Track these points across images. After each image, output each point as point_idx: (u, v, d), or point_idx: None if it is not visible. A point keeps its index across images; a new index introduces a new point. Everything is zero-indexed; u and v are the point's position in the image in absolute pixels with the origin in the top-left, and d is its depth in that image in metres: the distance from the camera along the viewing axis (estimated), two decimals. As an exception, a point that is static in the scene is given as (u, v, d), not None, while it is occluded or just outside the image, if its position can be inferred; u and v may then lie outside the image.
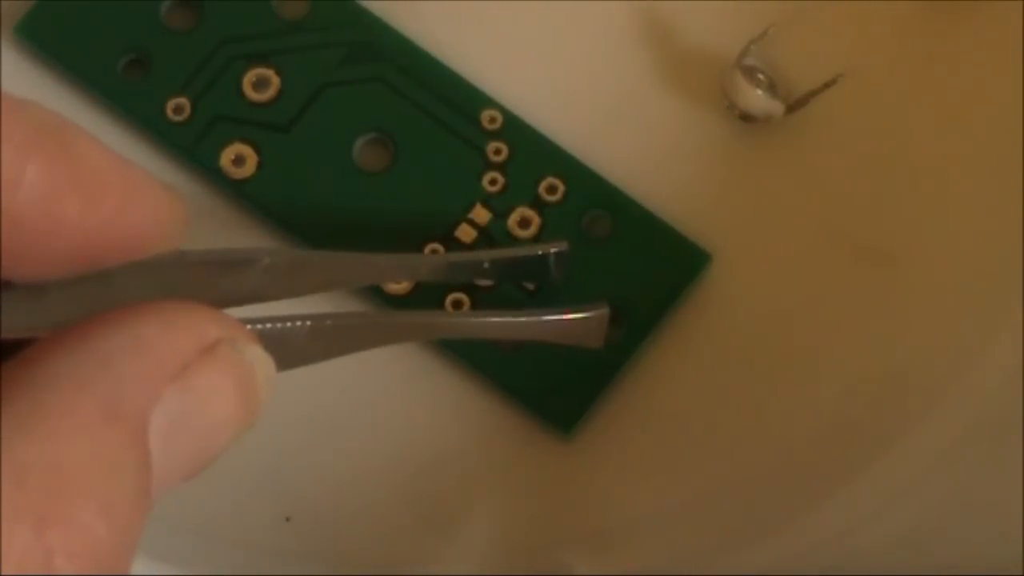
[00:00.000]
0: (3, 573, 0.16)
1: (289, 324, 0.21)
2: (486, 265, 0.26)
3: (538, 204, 0.28)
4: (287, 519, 0.27)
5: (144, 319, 0.19)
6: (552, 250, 0.27)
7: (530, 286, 0.27)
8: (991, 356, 0.28)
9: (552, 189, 0.28)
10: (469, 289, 0.27)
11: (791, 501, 0.27)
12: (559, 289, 0.27)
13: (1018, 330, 0.28)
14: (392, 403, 0.28)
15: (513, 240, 0.28)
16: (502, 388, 0.27)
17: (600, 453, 0.27)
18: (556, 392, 0.27)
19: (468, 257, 0.27)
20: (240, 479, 0.27)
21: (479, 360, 0.27)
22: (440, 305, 0.27)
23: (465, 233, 0.28)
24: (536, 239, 0.28)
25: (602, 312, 0.26)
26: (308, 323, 0.21)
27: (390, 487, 0.27)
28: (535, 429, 0.27)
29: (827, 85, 0.28)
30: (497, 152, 0.28)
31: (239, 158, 0.28)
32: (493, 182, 0.28)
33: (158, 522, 0.24)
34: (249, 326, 0.20)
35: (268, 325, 0.21)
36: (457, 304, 0.27)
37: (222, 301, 0.20)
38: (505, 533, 0.27)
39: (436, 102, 0.29)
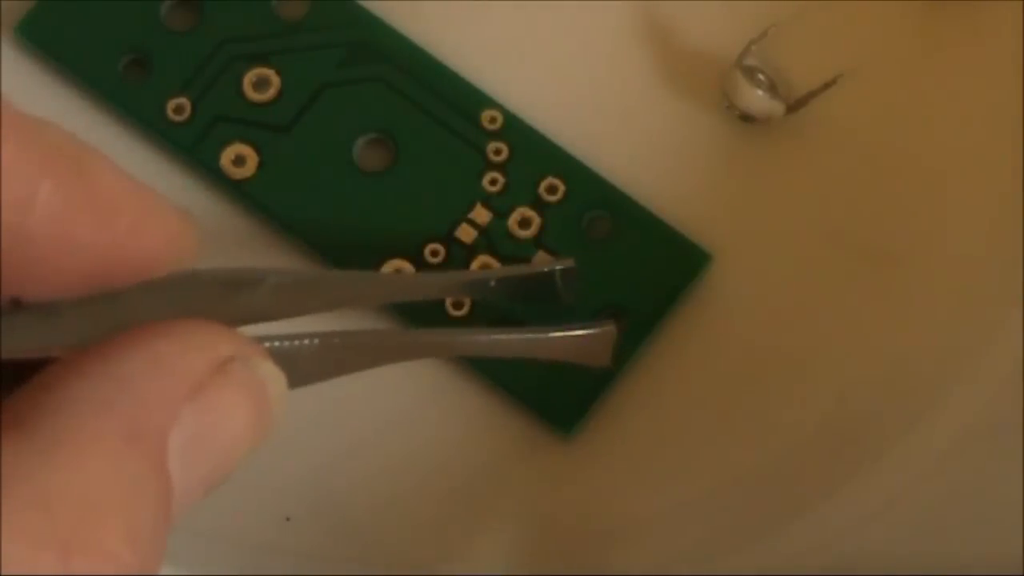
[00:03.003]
0: None
1: (298, 342, 0.21)
2: (492, 283, 0.26)
3: (538, 204, 0.28)
4: (287, 519, 0.27)
5: (159, 339, 0.19)
6: (558, 267, 0.26)
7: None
8: (991, 356, 0.28)
9: (552, 189, 0.28)
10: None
11: (791, 501, 0.27)
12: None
13: (1018, 330, 0.28)
14: (392, 403, 0.28)
15: (513, 241, 0.28)
16: (502, 388, 0.27)
17: (600, 453, 0.27)
18: (556, 392, 0.27)
19: (474, 276, 0.27)
20: (240, 479, 0.27)
21: (480, 360, 0.27)
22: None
23: (465, 233, 0.28)
24: (536, 239, 0.28)
25: (608, 329, 0.25)
26: (317, 341, 0.21)
27: (389, 487, 0.27)
28: (535, 429, 0.27)
29: (827, 85, 0.28)
30: (497, 152, 0.28)
31: (239, 158, 0.28)
32: (493, 182, 0.28)
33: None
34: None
35: (277, 343, 0.21)
36: None
37: (230, 320, 0.20)
38: (504, 533, 0.27)
39: (436, 102, 0.29)
